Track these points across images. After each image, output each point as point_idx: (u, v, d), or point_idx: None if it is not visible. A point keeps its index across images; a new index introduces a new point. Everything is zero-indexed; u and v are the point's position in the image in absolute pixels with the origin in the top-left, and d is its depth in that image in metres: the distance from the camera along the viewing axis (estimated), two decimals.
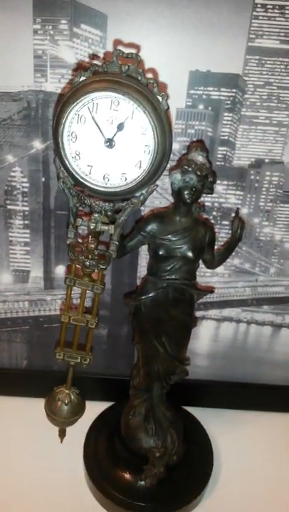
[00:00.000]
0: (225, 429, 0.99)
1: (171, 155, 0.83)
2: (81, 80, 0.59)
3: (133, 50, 0.61)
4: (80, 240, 0.68)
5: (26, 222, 0.91)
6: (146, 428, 0.85)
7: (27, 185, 0.88)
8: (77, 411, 0.77)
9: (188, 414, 0.99)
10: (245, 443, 0.99)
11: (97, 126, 0.58)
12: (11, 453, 0.93)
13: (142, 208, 0.88)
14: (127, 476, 0.84)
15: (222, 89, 0.80)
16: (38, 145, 0.84)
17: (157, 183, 0.64)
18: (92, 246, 0.64)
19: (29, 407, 1.02)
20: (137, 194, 0.62)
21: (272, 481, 0.91)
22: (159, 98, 0.58)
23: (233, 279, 0.97)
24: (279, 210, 0.90)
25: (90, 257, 0.66)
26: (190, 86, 0.80)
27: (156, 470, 0.82)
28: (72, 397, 0.77)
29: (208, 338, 1.01)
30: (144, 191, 0.62)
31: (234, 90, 0.80)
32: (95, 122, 0.58)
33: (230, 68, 0.79)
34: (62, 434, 0.79)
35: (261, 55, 0.78)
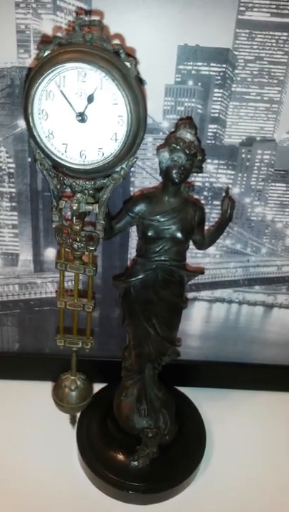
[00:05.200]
0: (217, 409, 1.00)
1: (160, 133, 0.82)
2: (46, 54, 0.56)
3: (96, 17, 0.58)
4: (67, 223, 0.67)
5: (14, 204, 0.90)
6: (138, 409, 0.85)
7: (13, 165, 0.86)
8: (85, 396, 0.77)
9: (181, 394, 0.99)
10: (237, 422, 0.99)
11: (67, 100, 0.56)
12: (4, 436, 0.93)
13: (131, 188, 0.88)
14: (120, 456, 0.84)
15: (212, 64, 0.78)
16: (23, 124, 0.81)
17: (137, 155, 0.62)
18: (77, 228, 0.62)
19: (22, 390, 1.03)
20: (117, 169, 0.60)
21: (264, 459, 0.92)
22: (127, 64, 0.56)
23: (225, 259, 0.96)
24: (270, 189, 0.89)
25: (77, 239, 0.65)
26: (179, 61, 0.77)
27: (148, 450, 0.83)
28: (79, 382, 0.77)
29: (200, 319, 1.01)
30: (124, 165, 0.60)
31: (224, 65, 0.78)
32: (64, 96, 0.56)
33: (220, 42, 0.76)
34: (73, 420, 0.79)
35: (252, 29, 0.76)
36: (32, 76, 0.56)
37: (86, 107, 0.56)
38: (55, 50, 0.56)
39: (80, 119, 0.57)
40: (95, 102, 0.56)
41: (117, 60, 0.55)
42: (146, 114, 0.59)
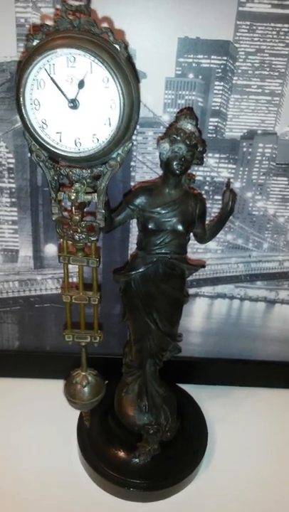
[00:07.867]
0: (219, 406, 0.99)
1: (161, 127, 0.82)
2: (34, 43, 0.56)
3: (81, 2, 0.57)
4: (66, 215, 0.66)
5: (13, 199, 0.89)
6: (139, 405, 0.84)
7: (13, 161, 0.86)
8: (97, 392, 0.76)
9: (182, 391, 0.98)
10: (239, 419, 0.98)
11: (58, 87, 0.56)
12: (5, 433, 0.92)
13: (131, 183, 0.87)
14: (121, 453, 0.84)
15: (212, 57, 0.78)
16: None
17: (133, 140, 0.62)
18: (77, 218, 0.62)
19: (22, 388, 1.02)
20: (114, 155, 0.59)
21: (266, 457, 0.91)
22: (116, 46, 0.55)
23: (226, 255, 0.95)
24: (272, 183, 0.88)
25: (78, 230, 0.64)
26: (179, 54, 0.77)
27: (149, 447, 0.82)
28: (90, 378, 0.76)
29: (201, 315, 1.00)
30: (120, 151, 0.59)
31: (225, 58, 0.78)
32: (55, 84, 0.56)
33: (221, 35, 0.76)
34: (87, 418, 0.78)
35: (252, 21, 0.75)
36: (22, 66, 0.56)
37: (77, 93, 0.56)
38: (44, 39, 0.56)
39: (72, 106, 0.56)
40: (86, 87, 0.56)
41: (106, 43, 0.55)
42: (139, 96, 0.58)
